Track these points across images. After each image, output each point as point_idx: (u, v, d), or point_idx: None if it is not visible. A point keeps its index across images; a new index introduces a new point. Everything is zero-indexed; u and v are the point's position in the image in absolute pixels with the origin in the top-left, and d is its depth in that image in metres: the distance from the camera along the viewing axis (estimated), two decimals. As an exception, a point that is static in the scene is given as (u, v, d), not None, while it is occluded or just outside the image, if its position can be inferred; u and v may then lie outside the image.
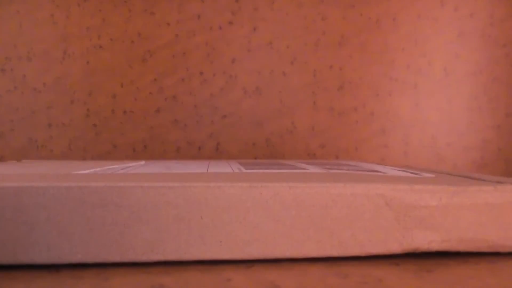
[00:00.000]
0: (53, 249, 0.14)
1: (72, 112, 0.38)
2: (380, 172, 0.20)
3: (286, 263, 0.15)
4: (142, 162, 0.28)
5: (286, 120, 0.39)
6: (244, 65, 0.39)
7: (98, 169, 0.21)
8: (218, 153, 0.39)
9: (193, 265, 0.14)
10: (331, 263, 0.15)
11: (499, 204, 0.15)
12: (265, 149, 0.39)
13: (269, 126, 0.39)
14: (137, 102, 0.38)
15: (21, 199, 0.13)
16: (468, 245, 0.15)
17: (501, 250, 0.16)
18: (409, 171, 0.22)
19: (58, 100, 0.37)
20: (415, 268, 0.14)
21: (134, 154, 0.38)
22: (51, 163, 0.28)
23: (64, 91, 0.37)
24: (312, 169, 0.21)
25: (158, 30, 0.38)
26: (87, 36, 0.38)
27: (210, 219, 0.14)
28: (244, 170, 0.20)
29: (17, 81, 0.37)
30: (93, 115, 0.38)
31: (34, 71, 0.37)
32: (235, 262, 0.15)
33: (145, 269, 0.14)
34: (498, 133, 0.41)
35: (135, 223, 0.14)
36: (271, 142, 0.39)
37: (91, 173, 0.18)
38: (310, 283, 0.13)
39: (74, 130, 0.37)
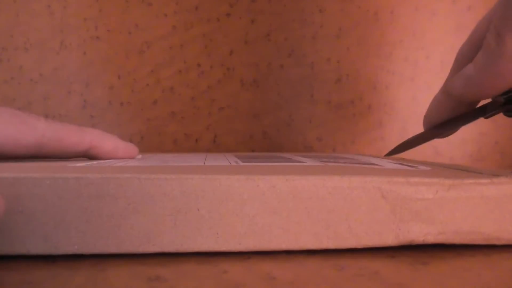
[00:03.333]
0: (50, 240, 0.14)
1: (69, 103, 0.37)
2: (377, 165, 0.20)
3: (283, 255, 0.15)
4: (139, 155, 0.28)
5: (283, 112, 0.39)
6: (242, 57, 0.39)
7: (95, 161, 0.21)
8: (215, 145, 0.39)
9: (190, 257, 0.14)
10: (328, 255, 0.15)
11: (495, 197, 0.15)
12: (262, 142, 0.39)
13: (266, 118, 0.39)
14: (134, 94, 0.38)
15: (18, 190, 0.13)
16: (464, 238, 0.15)
17: (496, 242, 0.16)
18: (406, 164, 0.22)
19: (55, 91, 0.37)
20: (410, 261, 0.14)
21: (131, 146, 0.38)
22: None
23: (61, 82, 0.37)
24: (309, 162, 0.21)
25: (155, 21, 0.38)
26: (84, 27, 0.37)
27: (206, 211, 0.14)
28: (241, 163, 0.20)
29: (14, 71, 0.37)
30: (90, 106, 0.38)
31: (31, 61, 0.37)
32: (231, 254, 0.15)
33: (142, 261, 0.14)
34: (495, 126, 0.41)
35: (132, 215, 0.14)
36: (268, 135, 0.39)
37: (87, 165, 0.18)
38: (306, 275, 0.13)
39: (70, 121, 0.37)
